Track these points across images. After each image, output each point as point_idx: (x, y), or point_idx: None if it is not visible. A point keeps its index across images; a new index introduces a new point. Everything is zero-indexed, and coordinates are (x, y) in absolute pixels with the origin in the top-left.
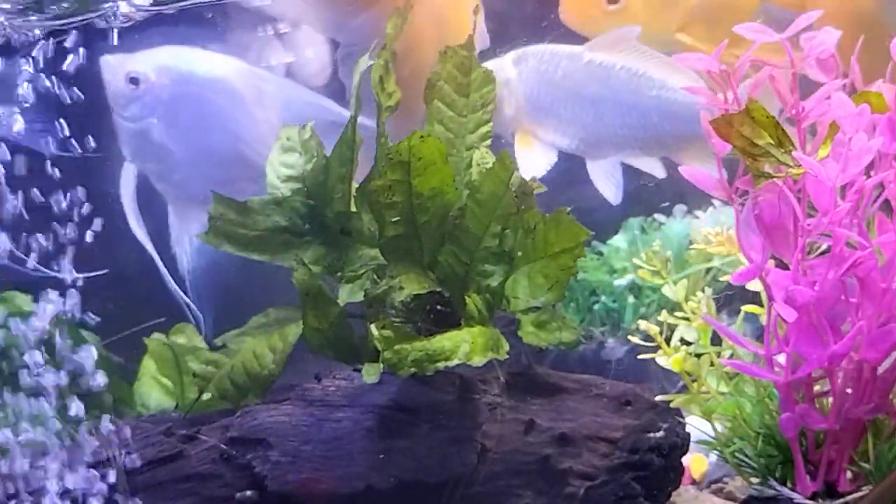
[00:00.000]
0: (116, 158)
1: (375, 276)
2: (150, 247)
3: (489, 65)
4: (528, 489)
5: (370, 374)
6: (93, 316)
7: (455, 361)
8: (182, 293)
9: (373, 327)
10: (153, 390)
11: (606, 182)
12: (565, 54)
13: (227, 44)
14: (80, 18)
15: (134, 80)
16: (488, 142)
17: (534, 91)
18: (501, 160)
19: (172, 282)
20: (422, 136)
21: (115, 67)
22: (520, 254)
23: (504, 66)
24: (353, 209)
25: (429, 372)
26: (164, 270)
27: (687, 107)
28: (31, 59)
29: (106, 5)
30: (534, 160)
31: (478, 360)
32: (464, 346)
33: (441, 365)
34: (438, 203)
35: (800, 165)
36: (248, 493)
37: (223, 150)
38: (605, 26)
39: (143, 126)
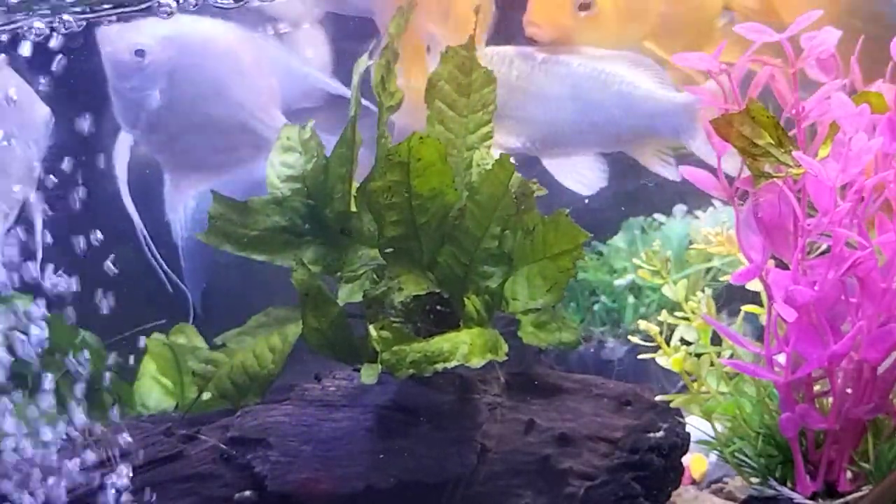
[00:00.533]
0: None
1: (375, 277)
2: (136, 218)
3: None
4: (528, 489)
5: (368, 375)
6: None
7: (453, 363)
8: (166, 267)
9: (371, 328)
10: (153, 390)
11: (574, 177)
12: (517, 54)
13: None
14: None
15: (140, 52)
16: (489, 142)
17: None
18: (501, 161)
19: (157, 255)
20: (421, 137)
21: (116, 38)
22: (519, 255)
23: None
24: (353, 209)
25: (427, 373)
26: (149, 242)
27: (645, 102)
28: None
29: None
30: None
31: (476, 362)
32: (462, 347)
33: (439, 366)
34: (438, 204)
35: (800, 165)
36: (248, 493)
37: (225, 118)
38: (576, 35)
39: (145, 96)
